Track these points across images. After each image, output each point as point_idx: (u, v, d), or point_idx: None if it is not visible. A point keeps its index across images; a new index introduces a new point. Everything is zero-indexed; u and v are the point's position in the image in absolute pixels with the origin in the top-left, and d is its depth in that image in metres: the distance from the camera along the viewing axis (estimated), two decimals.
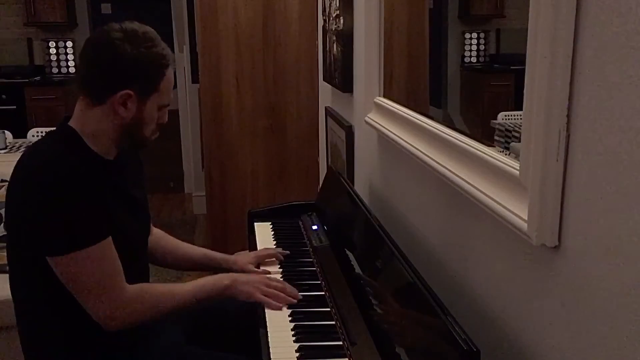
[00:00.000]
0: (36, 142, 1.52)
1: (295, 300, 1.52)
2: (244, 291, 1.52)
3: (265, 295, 1.51)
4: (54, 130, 1.52)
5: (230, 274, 1.60)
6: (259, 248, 1.90)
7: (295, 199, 2.42)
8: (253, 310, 1.53)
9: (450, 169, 1.19)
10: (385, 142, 1.80)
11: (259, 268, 1.80)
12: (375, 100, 1.84)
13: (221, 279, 1.55)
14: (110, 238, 1.40)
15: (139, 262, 1.61)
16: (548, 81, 0.82)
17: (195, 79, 4.62)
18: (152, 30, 1.48)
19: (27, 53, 6.12)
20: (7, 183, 2.46)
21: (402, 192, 1.72)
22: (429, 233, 1.49)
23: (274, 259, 1.82)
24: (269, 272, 1.73)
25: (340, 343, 1.34)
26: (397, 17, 1.82)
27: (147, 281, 1.65)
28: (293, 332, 1.39)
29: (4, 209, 1.46)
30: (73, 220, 1.35)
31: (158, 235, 1.80)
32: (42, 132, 3.97)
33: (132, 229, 1.55)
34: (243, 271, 1.74)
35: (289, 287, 1.55)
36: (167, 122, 1.55)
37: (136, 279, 1.51)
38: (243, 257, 1.81)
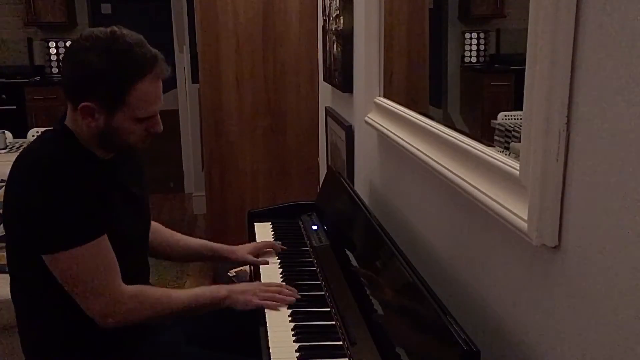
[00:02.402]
0: (32, 141, 1.52)
1: (294, 299, 1.52)
2: (241, 300, 1.53)
3: (263, 300, 1.52)
4: (49, 129, 1.52)
5: (228, 286, 1.61)
6: None
7: (295, 199, 2.42)
8: (253, 310, 1.53)
9: (450, 168, 1.19)
10: (385, 142, 1.80)
11: (258, 258, 1.84)
12: (375, 100, 1.84)
13: (218, 290, 1.56)
14: (105, 235, 1.40)
15: (139, 258, 1.61)
16: (548, 81, 0.82)
17: (195, 79, 4.61)
18: (136, 36, 1.39)
19: (27, 53, 6.12)
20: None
21: (402, 192, 1.72)
22: (428, 233, 1.49)
23: (271, 249, 1.87)
24: (267, 262, 1.80)
25: (340, 343, 1.34)
26: (397, 17, 1.82)
27: (148, 277, 1.66)
28: (293, 332, 1.39)
29: (2, 209, 1.47)
30: (67, 218, 1.36)
31: (154, 228, 1.80)
32: None
33: (132, 225, 1.55)
34: (243, 261, 1.83)
35: (286, 289, 1.56)
36: (167, 122, 1.55)
37: (136, 274, 1.51)
38: (242, 248, 1.86)
